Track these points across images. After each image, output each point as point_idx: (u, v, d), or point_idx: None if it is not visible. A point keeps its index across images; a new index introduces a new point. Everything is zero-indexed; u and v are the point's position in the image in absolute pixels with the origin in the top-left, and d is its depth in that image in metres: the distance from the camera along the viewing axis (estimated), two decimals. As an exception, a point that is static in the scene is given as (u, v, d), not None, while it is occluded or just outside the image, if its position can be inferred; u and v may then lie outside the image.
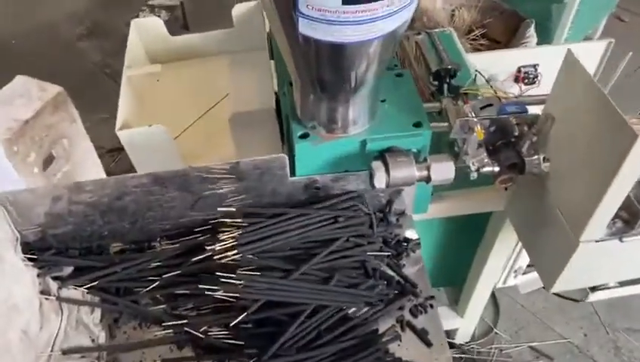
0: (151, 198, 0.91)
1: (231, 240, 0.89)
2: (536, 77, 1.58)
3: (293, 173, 0.94)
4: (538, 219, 0.94)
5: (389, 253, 0.96)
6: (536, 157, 0.88)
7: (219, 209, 0.93)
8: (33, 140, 0.96)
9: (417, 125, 0.90)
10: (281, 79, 1.09)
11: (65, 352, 0.86)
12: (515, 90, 1.59)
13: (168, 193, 0.90)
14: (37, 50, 2.76)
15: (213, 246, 0.89)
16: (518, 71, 1.58)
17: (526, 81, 1.59)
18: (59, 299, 0.89)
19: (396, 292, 0.93)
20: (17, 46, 2.84)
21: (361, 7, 0.65)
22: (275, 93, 1.15)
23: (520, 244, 1.19)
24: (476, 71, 1.02)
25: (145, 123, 1.24)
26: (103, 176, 1.55)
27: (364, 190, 0.97)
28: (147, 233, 0.97)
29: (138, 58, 1.33)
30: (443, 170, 0.85)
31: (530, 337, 1.62)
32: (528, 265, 1.25)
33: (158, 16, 2.53)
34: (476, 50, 1.98)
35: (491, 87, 0.93)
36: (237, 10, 1.34)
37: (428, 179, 0.87)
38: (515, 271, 1.28)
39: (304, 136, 0.89)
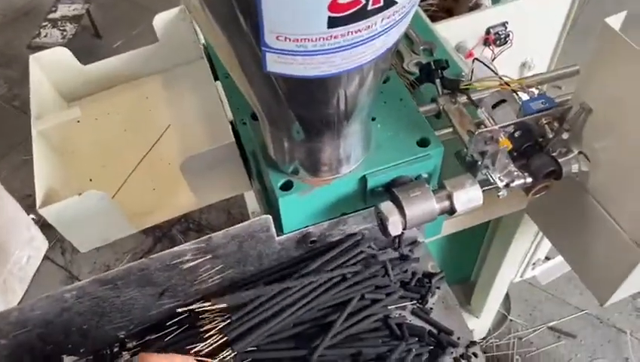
0: (103, 304, 0.69)
1: (218, 335, 0.69)
2: (508, 36, 1.43)
3: (279, 227, 0.74)
4: (577, 222, 0.79)
5: (414, 300, 0.79)
6: (571, 155, 0.72)
7: (193, 291, 0.73)
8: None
9: (423, 143, 0.72)
10: (236, 105, 0.88)
11: None
12: (487, 53, 1.44)
13: (124, 293, 0.69)
14: None
15: (197, 348, 0.69)
16: (487, 32, 1.43)
17: (497, 42, 1.44)
18: None
19: (431, 347, 0.76)
20: None
21: (355, 26, 0.44)
22: (230, 122, 0.93)
23: (540, 236, 1.05)
24: (475, 59, 0.84)
25: (73, 185, 1.00)
26: (38, 234, 1.30)
27: (366, 228, 0.79)
28: (106, 340, 0.76)
29: (48, 101, 1.07)
30: (469, 198, 0.68)
31: (546, 317, 1.51)
32: (547, 257, 1.12)
33: (63, 30, 2.21)
34: (426, 11, 1.81)
35: (500, 77, 0.75)
36: (159, 20, 1.09)
37: (451, 211, 0.69)
38: (534, 264, 1.14)
39: (287, 187, 0.69)
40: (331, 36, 0.45)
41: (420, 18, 1.11)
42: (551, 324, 1.49)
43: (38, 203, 0.87)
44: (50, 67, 1.08)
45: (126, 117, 1.13)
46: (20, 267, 1.22)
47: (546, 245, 1.08)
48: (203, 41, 1.06)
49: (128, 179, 1.03)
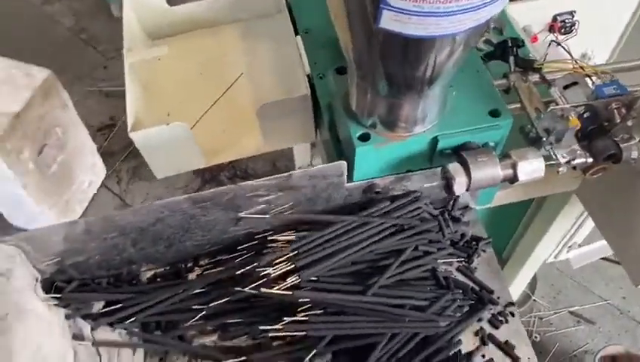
0: (190, 220, 0.78)
1: (286, 263, 0.78)
2: (574, 25, 1.44)
3: (349, 176, 0.81)
4: (627, 205, 0.84)
5: (461, 258, 0.86)
6: (633, 142, 0.76)
7: (264, 222, 0.81)
8: (25, 135, 0.83)
9: (495, 114, 0.77)
10: (314, 59, 0.94)
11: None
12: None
13: (210, 213, 0.77)
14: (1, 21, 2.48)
15: (266, 271, 0.77)
16: (554, 20, 1.44)
17: (562, 30, 1.45)
18: (95, 344, 0.77)
19: (472, 302, 0.84)
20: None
21: (470, -7, 0.50)
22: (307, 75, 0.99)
23: (582, 219, 1.10)
24: (552, 42, 0.88)
25: (155, 116, 1.08)
26: (98, 161, 1.41)
27: (426, 188, 0.86)
28: (184, 255, 0.85)
29: (136, 37, 1.15)
30: (532, 169, 0.73)
31: (569, 302, 1.57)
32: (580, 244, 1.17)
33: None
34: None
35: (576, 61, 0.79)
36: (242, -29, 1.15)
37: (513, 180, 0.75)
38: (570, 246, 1.19)
39: (364, 138, 0.76)
40: (448, 0, 0.50)
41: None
42: (572, 309, 1.55)
43: (129, 127, 0.95)
44: (140, 4, 1.15)
45: (203, 61, 1.20)
46: (81, 190, 1.32)
47: (587, 228, 1.13)
48: (286, -3, 1.12)
49: (201, 119, 1.11)
